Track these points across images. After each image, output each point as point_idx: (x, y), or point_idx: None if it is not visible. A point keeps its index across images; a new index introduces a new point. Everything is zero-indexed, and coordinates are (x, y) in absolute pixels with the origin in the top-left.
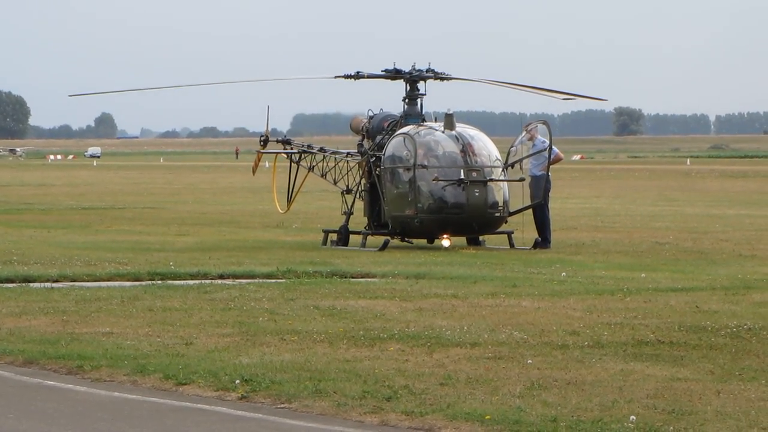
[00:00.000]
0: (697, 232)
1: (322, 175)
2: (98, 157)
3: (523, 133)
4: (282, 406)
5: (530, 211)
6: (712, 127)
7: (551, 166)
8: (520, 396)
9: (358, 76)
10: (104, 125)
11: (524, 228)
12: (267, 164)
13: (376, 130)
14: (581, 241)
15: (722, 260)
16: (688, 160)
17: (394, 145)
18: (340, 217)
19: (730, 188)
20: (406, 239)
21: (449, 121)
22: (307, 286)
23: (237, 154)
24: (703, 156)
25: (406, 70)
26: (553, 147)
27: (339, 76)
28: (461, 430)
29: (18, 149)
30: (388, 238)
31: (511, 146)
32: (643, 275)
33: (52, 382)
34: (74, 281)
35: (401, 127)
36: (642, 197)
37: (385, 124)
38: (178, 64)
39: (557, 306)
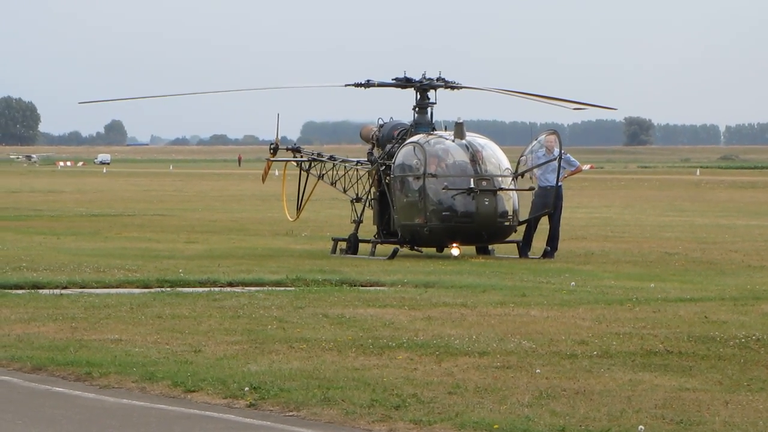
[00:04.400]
0: (707, 243)
1: (331, 184)
2: (108, 163)
3: (534, 142)
4: (290, 414)
5: (544, 219)
6: (722, 137)
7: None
8: (529, 405)
9: (368, 84)
10: (114, 132)
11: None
12: (277, 172)
13: (386, 139)
14: (591, 250)
15: (731, 271)
16: (698, 171)
17: (404, 154)
18: (350, 225)
19: (740, 199)
20: (416, 248)
21: (459, 129)
22: (316, 294)
23: (240, 161)
24: (713, 166)
25: (417, 79)
26: (574, 159)
27: (349, 85)
28: None
29: (33, 156)
30: (398, 246)
31: (521, 155)
32: (652, 285)
33: (60, 389)
34: (83, 288)
35: (411, 135)
36: (652, 207)
37: (395, 133)
38: (189, 72)
39: (566, 315)
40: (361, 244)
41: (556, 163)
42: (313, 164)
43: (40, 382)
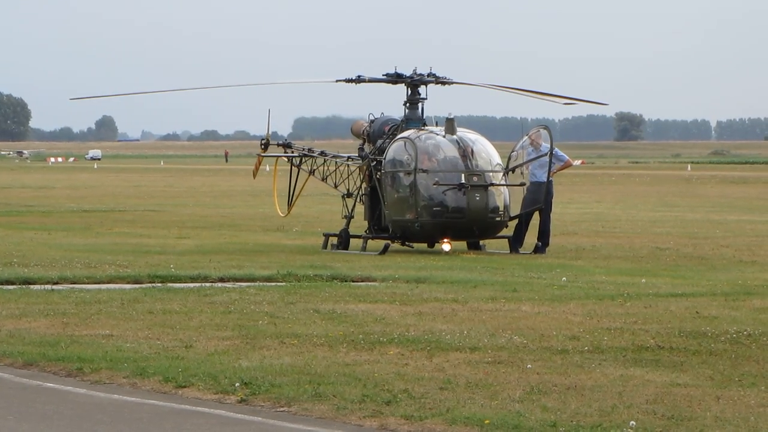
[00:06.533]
0: (698, 238)
1: (322, 179)
2: (99, 159)
3: (524, 138)
4: (281, 409)
5: (535, 215)
6: (713, 132)
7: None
8: (520, 401)
9: (359, 80)
10: (105, 128)
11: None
12: (268, 168)
13: (377, 134)
14: (582, 246)
15: (722, 266)
16: (689, 166)
17: (394, 150)
18: (341, 220)
19: (731, 194)
20: (407, 243)
21: (450, 125)
22: (308, 289)
23: (227, 157)
24: (704, 162)
25: (408, 74)
26: (562, 153)
27: (340, 80)
28: None
29: (25, 152)
30: (389, 242)
31: (512, 151)
32: (643, 280)
33: (51, 384)
34: (74, 283)
35: (402, 131)
36: (643, 202)
37: (386, 128)
38: (180, 67)
39: (557, 311)
40: (352, 240)
41: (546, 158)
42: (304, 160)
43: (32, 377)
